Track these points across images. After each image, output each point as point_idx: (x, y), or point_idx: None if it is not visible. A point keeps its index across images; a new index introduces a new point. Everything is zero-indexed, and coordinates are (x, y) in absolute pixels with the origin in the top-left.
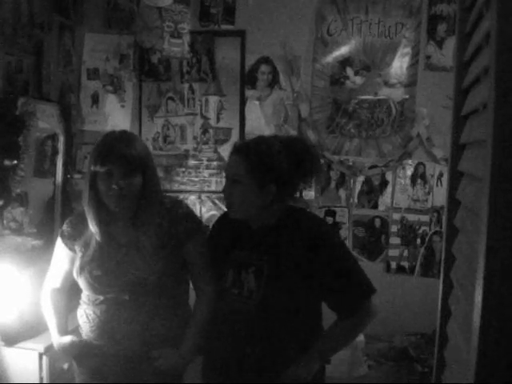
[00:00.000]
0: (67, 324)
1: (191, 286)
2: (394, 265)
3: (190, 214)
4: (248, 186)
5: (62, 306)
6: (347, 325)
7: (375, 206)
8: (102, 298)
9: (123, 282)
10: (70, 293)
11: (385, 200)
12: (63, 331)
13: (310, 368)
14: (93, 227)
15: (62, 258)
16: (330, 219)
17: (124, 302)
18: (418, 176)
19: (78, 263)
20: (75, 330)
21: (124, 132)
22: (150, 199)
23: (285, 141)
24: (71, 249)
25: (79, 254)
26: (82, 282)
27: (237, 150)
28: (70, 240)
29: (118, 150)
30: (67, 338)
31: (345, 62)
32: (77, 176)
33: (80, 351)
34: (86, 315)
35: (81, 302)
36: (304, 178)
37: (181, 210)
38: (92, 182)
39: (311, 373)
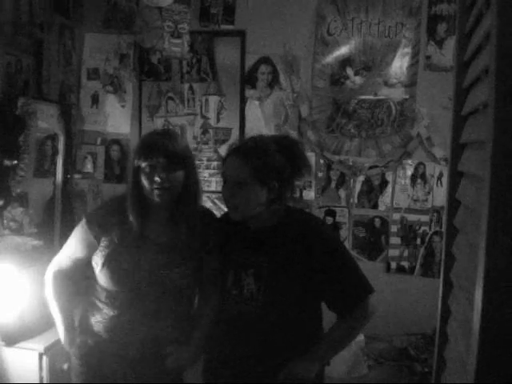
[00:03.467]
0: (73, 318)
1: None
2: (394, 265)
3: (217, 227)
4: (252, 186)
5: (66, 292)
6: (346, 325)
7: (375, 206)
8: (122, 298)
9: (153, 281)
10: (76, 280)
11: (385, 200)
12: (70, 327)
13: (309, 368)
14: (134, 220)
15: (81, 242)
16: (330, 219)
17: (146, 306)
18: (418, 176)
19: (103, 253)
20: (80, 326)
21: (168, 129)
22: (189, 198)
23: (275, 139)
24: (96, 236)
25: (105, 243)
26: (106, 273)
27: (236, 152)
28: (97, 227)
29: (160, 144)
30: (79, 338)
31: (345, 61)
32: (77, 176)
33: (88, 351)
34: (99, 314)
35: (95, 300)
36: (298, 172)
37: (213, 221)
38: (135, 177)
39: (311, 373)
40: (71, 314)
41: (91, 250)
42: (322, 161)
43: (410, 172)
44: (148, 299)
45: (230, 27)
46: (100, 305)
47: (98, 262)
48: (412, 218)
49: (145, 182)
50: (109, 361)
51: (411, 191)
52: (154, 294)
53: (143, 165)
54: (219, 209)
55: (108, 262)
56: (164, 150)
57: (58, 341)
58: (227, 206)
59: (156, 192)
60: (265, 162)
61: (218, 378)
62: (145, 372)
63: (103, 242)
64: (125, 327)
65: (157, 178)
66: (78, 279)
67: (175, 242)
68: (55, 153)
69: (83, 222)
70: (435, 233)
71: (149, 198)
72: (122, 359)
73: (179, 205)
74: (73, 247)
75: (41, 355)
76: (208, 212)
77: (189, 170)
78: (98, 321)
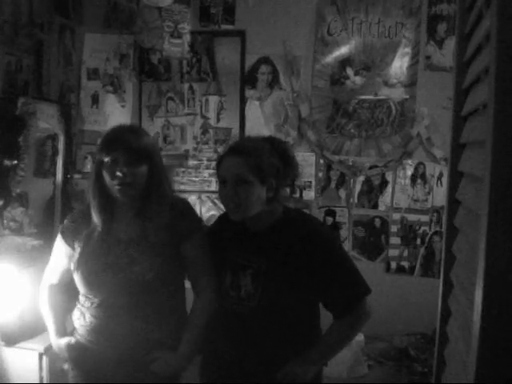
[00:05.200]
0: (65, 323)
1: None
2: (393, 265)
3: (191, 212)
4: (253, 183)
5: (59, 303)
6: (343, 326)
7: (375, 206)
8: (98, 299)
9: (120, 279)
10: (69, 291)
11: (385, 200)
12: (61, 331)
13: (306, 370)
14: (95, 217)
15: (61, 254)
16: (330, 219)
17: (121, 305)
18: (418, 176)
19: (76, 258)
20: (73, 331)
21: (132, 125)
22: (155, 194)
23: (265, 139)
24: (70, 245)
25: (77, 250)
26: (78, 278)
27: (233, 152)
28: (69, 236)
29: (123, 138)
30: (64, 340)
31: (345, 62)
32: (77, 176)
33: (76, 354)
34: (82, 318)
35: (77, 303)
36: (290, 171)
37: (182, 208)
38: (98, 172)
39: (308, 375)
40: (63, 320)
41: (70, 258)
42: (321, 161)
43: (409, 172)
44: (121, 300)
45: (230, 27)
46: (82, 309)
47: (72, 268)
48: (412, 217)
49: (106, 177)
50: (97, 364)
51: (411, 191)
52: (124, 291)
53: (105, 159)
54: (219, 209)
55: (78, 267)
56: (125, 144)
57: None
58: (227, 207)
59: (117, 187)
60: (262, 160)
61: (215, 378)
62: (133, 376)
63: (77, 249)
64: (104, 331)
65: (118, 173)
66: (70, 287)
67: (140, 237)
68: (55, 153)
69: (58, 234)
70: (435, 233)
71: (112, 194)
72: (108, 362)
73: (144, 201)
74: (57, 260)
75: (41, 355)
76: (182, 201)
77: (153, 166)
78: (82, 325)
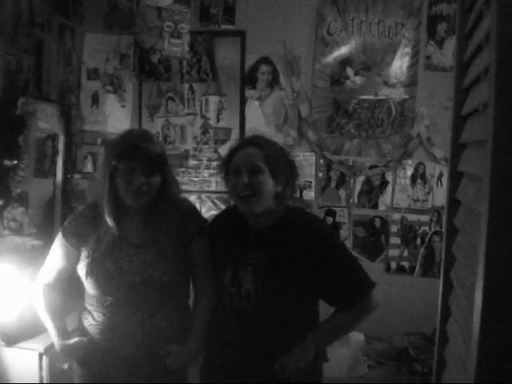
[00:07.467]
0: (65, 323)
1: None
2: (393, 265)
3: (196, 213)
4: (266, 174)
5: (56, 303)
6: (347, 315)
7: (375, 206)
8: (111, 299)
9: (135, 282)
10: (65, 290)
11: (385, 200)
12: (63, 332)
13: (305, 355)
14: (111, 222)
15: (62, 255)
16: (330, 219)
17: (134, 304)
18: (418, 176)
19: (85, 262)
20: (76, 331)
21: (144, 130)
22: (167, 198)
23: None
24: (74, 247)
25: (85, 253)
26: (91, 283)
27: (251, 143)
28: (73, 237)
29: (141, 147)
30: (70, 341)
31: (345, 61)
32: (77, 176)
33: (85, 352)
34: (91, 317)
35: (86, 304)
36: (295, 171)
37: (188, 209)
38: (111, 177)
39: (307, 356)
40: (63, 319)
41: (74, 260)
42: (322, 161)
43: (410, 172)
44: (135, 300)
45: (230, 27)
46: (90, 308)
47: (82, 272)
48: (412, 217)
49: (121, 184)
50: (108, 362)
51: (411, 191)
52: (140, 294)
53: (121, 167)
54: (219, 209)
55: (91, 272)
56: (144, 152)
57: None
58: (238, 197)
59: (131, 195)
60: (276, 154)
61: (216, 375)
62: (146, 372)
63: (83, 252)
64: (117, 329)
65: (135, 182)
66: (66, 287)
67: (152, 240)
68: (55, 153)
69: (60, 235)
70: (435, 233)
71: (123, 199)
72: (120, 360)
73: (155, 206)
74: (56, 260)
75: (41, 355)
76: (187, 203)
77: (166, 171)
78: (91, 324)
